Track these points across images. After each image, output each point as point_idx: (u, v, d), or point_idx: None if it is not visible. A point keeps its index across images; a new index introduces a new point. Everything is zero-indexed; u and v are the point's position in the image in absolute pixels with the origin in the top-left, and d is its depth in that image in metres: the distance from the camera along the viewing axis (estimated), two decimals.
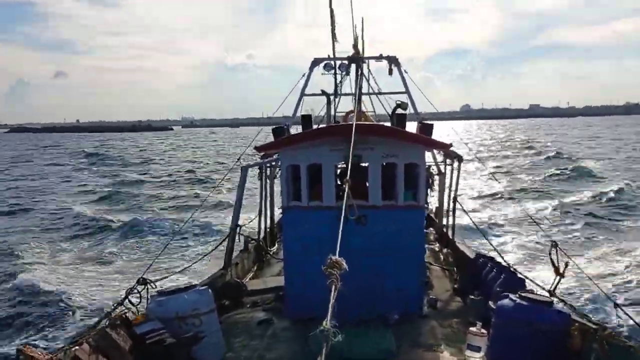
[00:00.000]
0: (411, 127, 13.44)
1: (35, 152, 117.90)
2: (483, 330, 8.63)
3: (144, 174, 65.90)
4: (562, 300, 9.09)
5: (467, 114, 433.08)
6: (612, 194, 34.64)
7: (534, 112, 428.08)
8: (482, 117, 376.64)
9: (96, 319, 8.79)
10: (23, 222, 35.38)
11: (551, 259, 9.64)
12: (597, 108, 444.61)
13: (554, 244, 9.86)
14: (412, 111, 16.87)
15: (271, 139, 13.92)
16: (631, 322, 8.44)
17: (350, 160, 7.20)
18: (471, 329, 8.78)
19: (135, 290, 9.15)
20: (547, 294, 9.13)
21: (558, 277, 9.47)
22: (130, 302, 8.90)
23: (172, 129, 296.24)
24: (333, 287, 3.91)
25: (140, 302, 9.08)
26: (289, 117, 16.69)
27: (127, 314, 8.45)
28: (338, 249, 4.45)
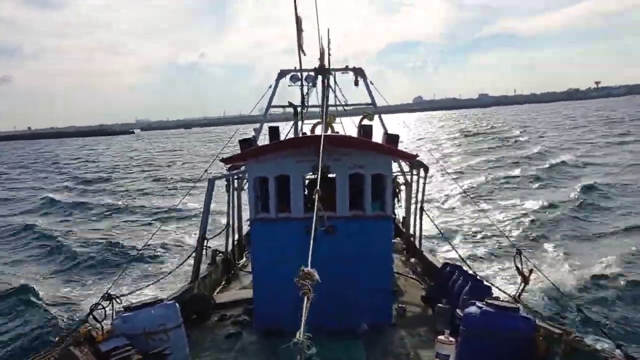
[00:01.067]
0: (377, 137, 13.59)
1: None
2: (451, 339, 8.71)
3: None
4: (527, 307, 9.27)
5: (419, 105, 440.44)
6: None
7: (483, 101, 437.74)
8: (434, 108, 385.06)
9: (59, 337, 8.54)
10: None
11: (516, 266, 9.84)
12: (542, 95, 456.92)
13: (518, 252, 10.07)
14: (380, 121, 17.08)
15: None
16: (594, 325, 8.66)
17: (319, 171, 7.22)
18: (439, 337, 8.85)
19: (100, 307, 8.94)
20: (512, 301, 9.29)
21: (523, 284, 9.67)
22: (95, 318, 8.70)
23: (133, 132, 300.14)
24: (306, 299, 3.88)
25: (105, 318, 8.88)
26: (257, 127, 16.67)
27: (91, 331, 8.25)
28: (310, 260, 4.44)
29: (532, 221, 28.95)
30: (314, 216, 5.47)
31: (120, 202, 46.31)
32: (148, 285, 14.34)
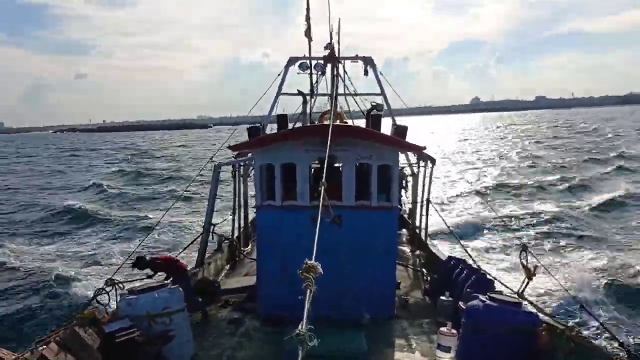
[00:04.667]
0: (386, 125, 13.58)
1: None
2: (453, 331, 8.73)
3: None
4: (530, 302, 9.27)
5: (476, 106, 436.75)
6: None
7: (539, 104, 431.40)
8: (489, 109, 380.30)
9: (65, 317, 8.65)
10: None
11: (521, 261, 9.82)
12: (600, 99, 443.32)
13: (524, 247, 10.05)
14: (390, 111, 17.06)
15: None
16: (595, 322, 8.64)
17: (326, 161, 7.21)
18: (441, 329, 8.87)
19: (104, 291, 9.06)
20: (515, 295, 9.29)
21: (527, 279, 9.66)
22: (98, 302, 8.80)
23: (211, 126, 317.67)
24: (308, 291, 3.90)
25: (109, 302, 8.97)
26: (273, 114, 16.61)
27: (96, 313, 8.33)
28: (315, 251, 4.45)
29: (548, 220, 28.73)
30: (320, 207, 5.47)
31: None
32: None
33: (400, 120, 15.25)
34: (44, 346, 6.95)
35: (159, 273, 10.88)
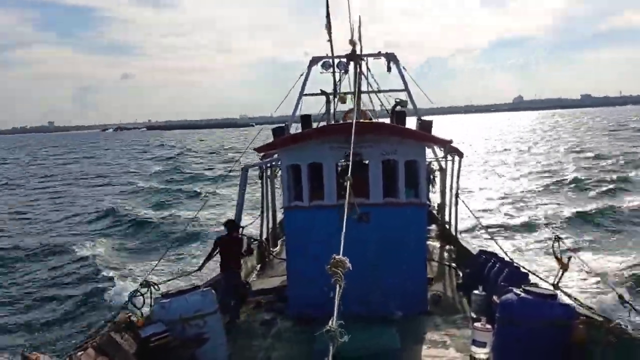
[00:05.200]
0: (411, 123, 13.48)
1: None
2: (488, 326, 8.60)
3: None
4: (567, 294, 9.06)
5: (519, 105, 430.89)
6: None
7: (584, 102, 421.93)
8: (532, 108, 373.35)
9: (101, 323, 8.81)
10: None
11: (554, 252, 9.62)
12: None
13: (557, 238, 9.84)
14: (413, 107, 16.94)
15: None
16: (637, 314, 8.37)
17: (351, 158, 7.19)
18: (476, 324, 8.75)
19: (139, 294, 9.18)
20: (551, 288, 9.10)
21: (561, 271, 9.45)
22: (133, 304, 8.92)
23: (253, 125, 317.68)
24: (338, 286, 3.89)
25: (144, 304, 9.09)
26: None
27: (131, 317, 8.47)
28: (342, 248, 4.43)
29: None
30: (345, 203, 5.45)
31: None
32: (188, 274, 14.50)
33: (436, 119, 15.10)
34: (82, 352, 7.09)
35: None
